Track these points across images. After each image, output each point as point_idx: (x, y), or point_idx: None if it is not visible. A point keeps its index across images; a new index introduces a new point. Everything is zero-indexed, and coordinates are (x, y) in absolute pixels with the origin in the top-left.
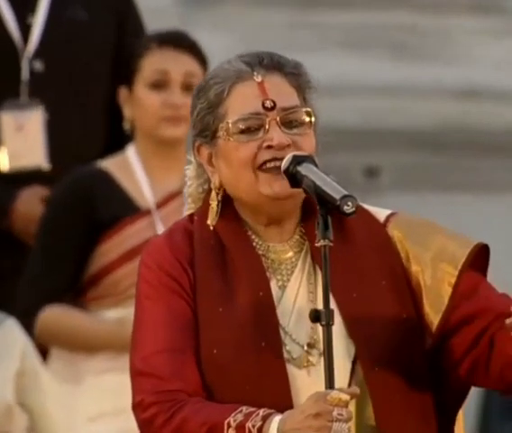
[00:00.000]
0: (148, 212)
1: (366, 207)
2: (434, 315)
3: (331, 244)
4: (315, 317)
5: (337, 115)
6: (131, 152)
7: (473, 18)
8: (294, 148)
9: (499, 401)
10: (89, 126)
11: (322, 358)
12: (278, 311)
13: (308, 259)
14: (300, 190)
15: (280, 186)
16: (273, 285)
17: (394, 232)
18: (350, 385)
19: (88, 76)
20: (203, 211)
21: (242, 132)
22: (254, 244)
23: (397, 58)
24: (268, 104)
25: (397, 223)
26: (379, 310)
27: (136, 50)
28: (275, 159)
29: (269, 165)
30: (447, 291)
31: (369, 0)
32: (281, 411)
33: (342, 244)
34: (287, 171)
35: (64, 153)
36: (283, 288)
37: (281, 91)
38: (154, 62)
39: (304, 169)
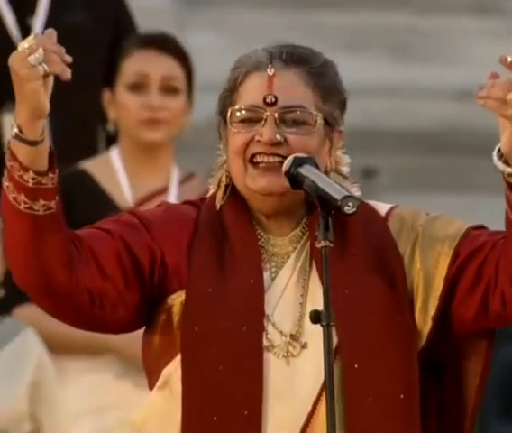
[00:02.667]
0: None
1: (368, 202)
2: (432, 294)
3: (331, 245)
4: (316, 317)
5: None
6: (114, 152)
7: (473, 19)
8: (286, 146)
9: (498, 402)
10: (84, 129)
11: (304, 351)
12: (265, 298)
13: (304, 253)
14: (289, 189)
15: (265, 182)
16: (267, 276)
17: (394, 225)
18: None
19: (85, 78)
20: (215, 194)
21: (242, 121)
22: (256, 234)
23: (396, 58)
24: (269, 99)
25: (397, 215)
26: (370, 309)
27: (119, 52)
28: (263, 153)
29: (257, 159)
30: (441, 274)
31: (368, 1)
32: (252, 397)
33: (340, 240)
34: (288, 173)
35: (62, 154)
36: (274, 279)
37: (289, 88)
38: (134, 64)
39: (305, 170)
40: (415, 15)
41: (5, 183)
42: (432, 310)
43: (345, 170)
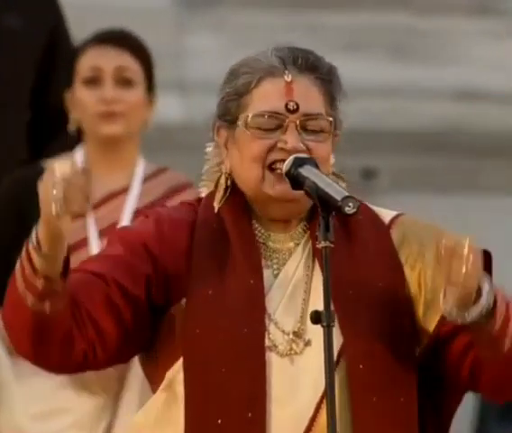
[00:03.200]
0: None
1: (372, 207)
2: (432, 315)
3: (332, 246)
4: (316, 318)
5: None
6: (78, 153)
7: (473, 19)
8: (308, 154)
9: (498, 403)
10: (12, 130)
11: (307, 348)
12: (268, 298)
13: (307, 251)
14: (303, 195)
15: (283, 188)
16: (269, 273)
17: (397, 234)
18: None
19: (15, 83)
20: (212, 194)
21: (260, 127)
22: (256, 232)
23: (396, 59)
24: (291, 106)
25: (401, 225)
26: (372, 311)
27: (76, 52)
28: (284, 160)
29: (276, 166)
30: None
31: (368, 1)
32: (255, 398)
33: (345, 240)
34: (288, 173)
35: None
36: (277, 276)
37: (308, 96)
38: (88, 60)
39: (305, 171)
40: (415, 15)
41: (17, 272)
42: (431, 326)
43: (333, 170)
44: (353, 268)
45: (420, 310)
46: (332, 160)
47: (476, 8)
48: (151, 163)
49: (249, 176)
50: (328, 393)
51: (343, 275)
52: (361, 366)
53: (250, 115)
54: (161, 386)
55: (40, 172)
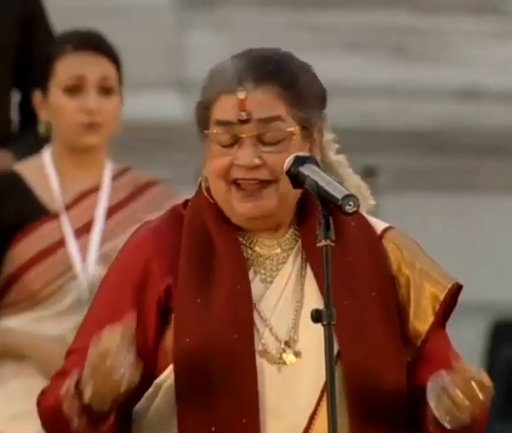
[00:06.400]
0: (56, 215)
1: (366, 215)
2: (420, 325)
3: (332, 245)
4: (317, 316)
5: (335, 116)
6: (46, 154)
7: (473, 19)
8: (265, 168)
9: (499, 401)
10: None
11: (298, 359)
12: (262, 305)
13: (299, 259)
14: (275, 210)
15: (249, 207)
16: (258, 279)
17: (389, 243)
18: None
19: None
20: (196, 196)
21: (220, 144)
22: (241, 236)
23: (396, 59)
24: (243, 115)
25: (393, 235)
26: (366, 320)
27: (50, 53)
28: (244, 179)
29: (243, 185)
30: (434, 308)
31: (368, 1)
32: (249, 404)
33: (340, 248)
34: (288, 172)
35: None
36: (268, 282)
37: (263, 105)
38: (69, 66)
39: (306, 169)
40: (415, 15)
41: (63, 403)
42: (419, 339)
43: (332, 154)
44: (348, 276)
45: (409, 320)
46: (328, 136)
47: (476, 8)
48: (116, 163)
49: (216, 189)
50: (329, 396)
51: (339, 284)
52: (357, 377)
53: (209, 134)
54: (148, 393)
55: (7, 176)
